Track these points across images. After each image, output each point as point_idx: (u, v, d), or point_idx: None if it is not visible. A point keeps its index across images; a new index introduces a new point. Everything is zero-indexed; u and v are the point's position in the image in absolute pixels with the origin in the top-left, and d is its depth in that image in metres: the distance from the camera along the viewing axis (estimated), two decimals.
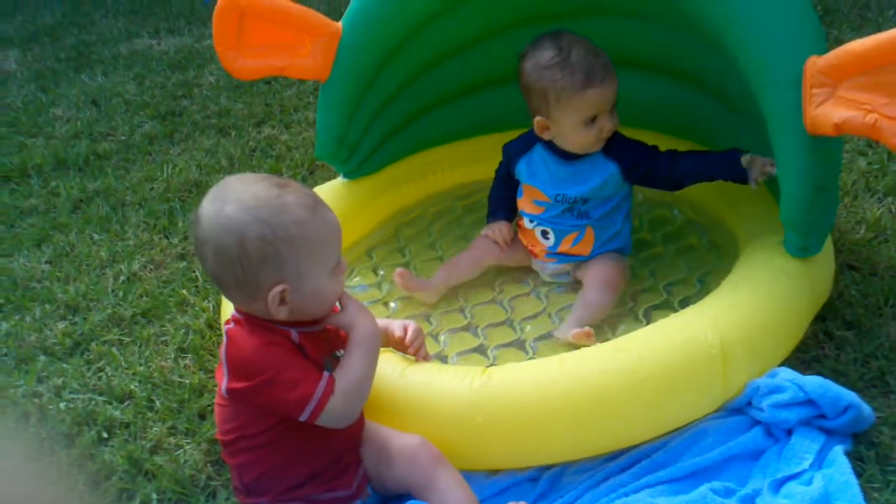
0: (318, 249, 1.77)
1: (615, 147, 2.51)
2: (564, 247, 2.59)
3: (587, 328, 2.27)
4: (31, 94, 5.07)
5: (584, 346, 2.17)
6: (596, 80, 2.38)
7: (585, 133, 2.45)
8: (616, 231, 2.58)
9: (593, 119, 2.42)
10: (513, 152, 2.67)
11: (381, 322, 2.12)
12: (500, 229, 2.69)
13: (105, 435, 2.24)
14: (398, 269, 2.56)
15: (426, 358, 2.13)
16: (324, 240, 1.79)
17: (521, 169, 2.64)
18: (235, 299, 1.82)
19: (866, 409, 1.90)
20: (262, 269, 1.72)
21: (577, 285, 2.56)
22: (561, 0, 2.80)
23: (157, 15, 6.51)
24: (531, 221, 2.64)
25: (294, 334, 1.81)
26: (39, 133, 4.45)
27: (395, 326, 2.13)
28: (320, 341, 1.87)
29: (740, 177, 2.38)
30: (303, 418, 1.73)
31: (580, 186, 2.52)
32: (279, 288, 1.73)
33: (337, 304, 1.89)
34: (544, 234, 2.61)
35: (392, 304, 2.63)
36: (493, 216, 2.76)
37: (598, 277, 2.50)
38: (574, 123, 2.44)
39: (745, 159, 2.34)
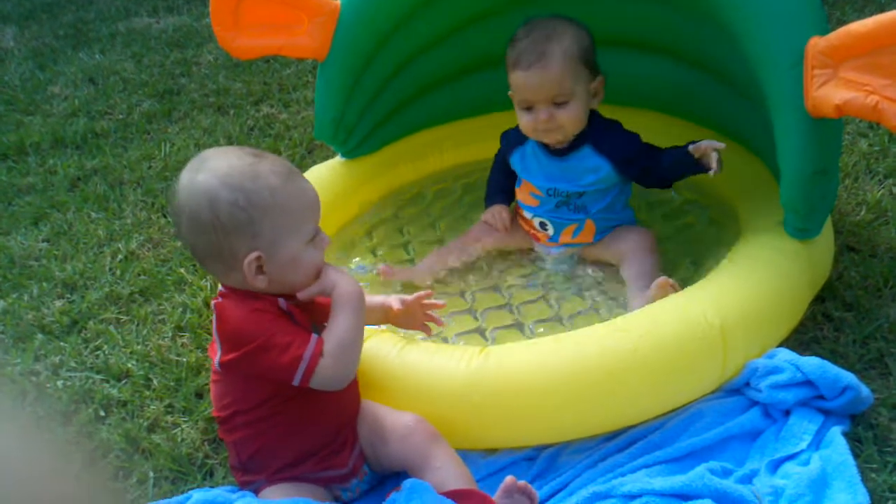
0: (292, 218, 1.77)
1: (606, 140, 2.47)
2: (565, 238, 2.58)
3: (664, 277, 2.24)
4: (29, 72, 5.05)
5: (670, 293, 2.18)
6: (521, 64, 2.37)
7: (524, 117, 2.45)
8: (616, 219, 2.57)
9: (528, 106, 2.42)
10: (509, 143, 2.66)
11: (378, 298, 2.13)
12: (498, 213, 2.67)
13: (102, 413, 2.24)
14: (380, 267, 2.56)
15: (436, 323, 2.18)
16: (298, 208, 1.78)
17: (515, 161, 2.62)
18: (214, 270, 1.82)
19: (865, 390, 1.90)
20: (235, 236, 1.72)
21: (581, 267, 2.57)
22: None
23: None
24: (528, 212, 2.62)
25: (282, 302, 1.81)
26: (37, 111, 4.44)
27: (393, 301, 2.12)
28: (308, 312, 1.87)
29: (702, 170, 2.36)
30: (295, 382, 1.73)
31: (572, 183, 2.51)
32: (254, 255, 1.73)
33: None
34: (542, 225, 2.59)
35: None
36: (490, 200, 2.74)
37: (631, 250, 2.46)
38: (515, 102, 2.45)
39: (693, 150, 2.32)
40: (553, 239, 2.60)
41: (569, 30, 2.38)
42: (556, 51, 2.34)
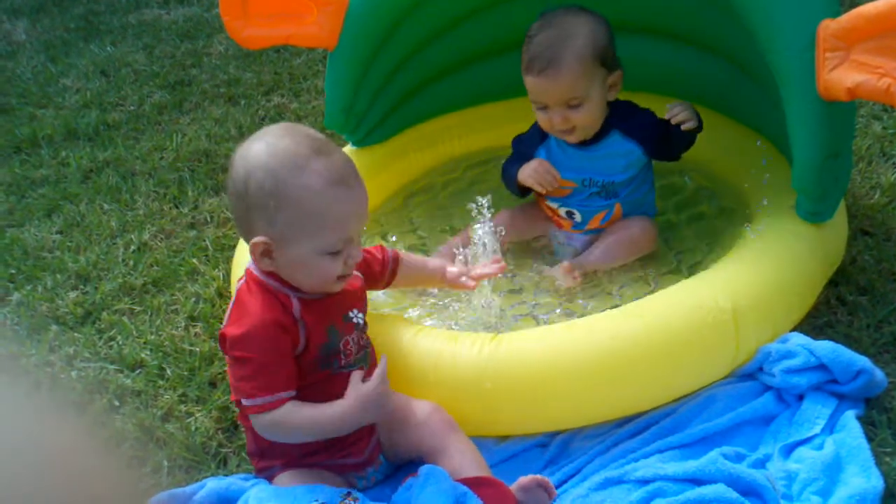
0: (312, 224, 1.73)
1: (633, 124, 2.45)
2: (593, 224, 2.55)
3: (573, 269, 2.35)
4: (41, 65, 5.06)
5: (567, 284, 2.32)
6: (532, 69, 2.33)
7: (540, 115, 2.42)
8: (641, 202, 2.55)
9: (542, 106, 2.39)
10: (526, 144, 2.59)
11: (436, 264, 2.25)
12: (540, 164, 2.49)
13: (116, 403, 2.25)
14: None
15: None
16: (323, 218, 1.73)
17: (541, 157, 2.55)
18: (239, 233, 1.86)
19: (879, 374, 1.89)
20: (255, 213, 1.73)
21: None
22: None
23: None
24: (554, 203, 2.58)
25: (295, 302, 1.79)
26: (49, 103, 4.45)
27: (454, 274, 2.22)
28: (326, 307, 1.84)
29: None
30: (244, 403, 1.74)
31: (606, 172, 2.48)
32: (260, 239, 1.73)
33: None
34: (570, 213, 2.56)
35: None
36: (509, 172, 2.59)
37: (617, 232, 2.47)
38: (531, 100, 2.42)
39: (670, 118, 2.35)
40: (579, 226, 2.57)
41: (583, 28, 2.32)
42: (567, 56, 2.29)
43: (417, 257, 2.29)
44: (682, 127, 2.32)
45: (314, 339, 1.80)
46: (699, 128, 2.37)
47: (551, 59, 2.29)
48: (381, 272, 2.14)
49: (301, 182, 1.71)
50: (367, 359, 1.93)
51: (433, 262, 2.27)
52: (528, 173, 2.49)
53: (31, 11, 6.22)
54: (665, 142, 2.43)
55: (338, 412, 1.74)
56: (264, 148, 1.74)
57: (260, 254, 1.75)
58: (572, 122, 2.37)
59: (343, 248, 1.77)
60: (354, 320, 1.88)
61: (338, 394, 1.79)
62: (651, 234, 2.51)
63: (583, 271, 2.40)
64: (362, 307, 1.94)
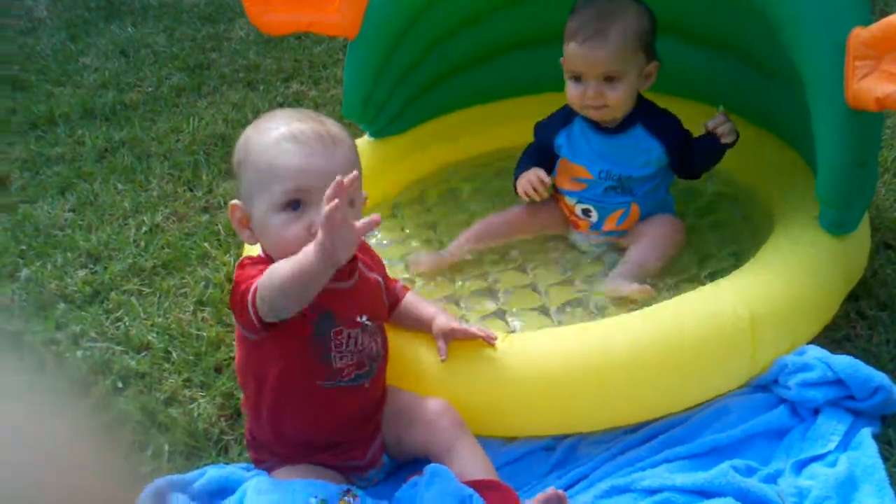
0: (263, 177, 1.70)
1: (658, 122, 2.44)
2: (610, 225, 2.52)
3: (646, 285, 2.26)
4: (61, 43, 5.04)
5: (640, 303, 2.17)
6: (577, 37, 2.34)
7: (572, 87, 2.40)
8: (659, 203, 2.52)
9: (577, 77, 2.38)
10: (549, 129, 2.57)
11: (429, 312, 2.00)
12: (534, 174, 2.47)
13: (120, 385, 2.23)
14: (410, 259, 2.52)
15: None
16: (270, 169, 1.70)
17: (561, 143, 2.54)
18: None
19: None
20: (237, 174, 1.80)
21: (618, 252, 2.51)
22: None
23: None
24: (571, 198, 2.55)
25: None
26: (67, 81, 4.43)
27: (441, 348, 1.93)
28: (328, 294, 1.70)
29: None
30: (250, 309, 1.64)
31: (624, 164, 2.45)
32: (235, 202, 1.77)
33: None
34: (586, 212, 2.53)
35: None
36: (521, 168, 2.55)
37: (648, 233, 2.44)
38: (565, 70, 2.41)
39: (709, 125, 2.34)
40: (596, 226, 2.54)
41: (632, 9, 2.35)
42: (614, 29, 2.31)
43: (419, 304, 2.05)
44: (722, 140, 2.31)
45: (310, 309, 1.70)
46: (732, 145, 2.36)
47: (598, 30, 2.31)
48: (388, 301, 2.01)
49: (259, 140, 1.75)
50: (369, 375, 1.82)
51: (428, 311, 2.01)
52: (521, 182, 2.50)
53: None
54: (687, 150, 2.40)
55: (307, 250, 1.55)
56: (260, 119, 1.80)
57: (238, 222, 1.78)
58: (606, 98, 2.36)
59: (302, 206, 1.69)
60: (360, 321, 1.80)
61: (334, 403, 1.75)
62: (678, 225, 2.50)
63: (644, 275, 2.35)
64: (373, 316, 1.84)
